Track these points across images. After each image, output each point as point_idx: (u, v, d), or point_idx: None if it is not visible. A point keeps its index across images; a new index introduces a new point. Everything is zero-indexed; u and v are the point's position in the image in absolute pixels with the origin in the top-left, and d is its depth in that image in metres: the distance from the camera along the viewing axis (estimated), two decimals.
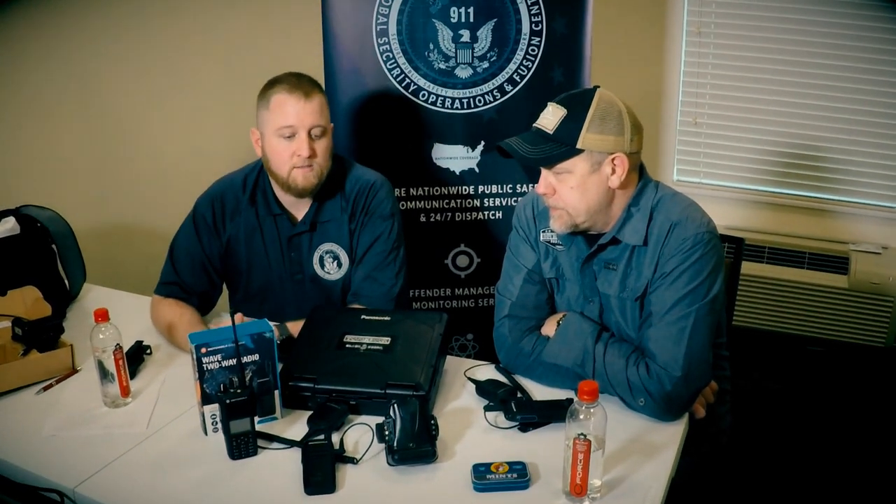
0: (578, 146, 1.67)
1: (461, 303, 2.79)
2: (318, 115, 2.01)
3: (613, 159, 1.69)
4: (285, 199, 2.11)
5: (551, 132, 1.69)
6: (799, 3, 3.29)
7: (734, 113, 3.55)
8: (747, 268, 3.37)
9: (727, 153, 3.63)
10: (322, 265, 2.14)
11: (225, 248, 2.15)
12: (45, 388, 1.85)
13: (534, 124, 1.74)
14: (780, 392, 3.30)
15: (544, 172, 1.74)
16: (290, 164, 2.01)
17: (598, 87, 1.73)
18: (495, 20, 2.52)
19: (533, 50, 2.55)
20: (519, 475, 1.50)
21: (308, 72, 2.08)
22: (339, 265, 2.14)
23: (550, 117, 1.70)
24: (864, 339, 3.44)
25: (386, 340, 1.82)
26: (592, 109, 1.67)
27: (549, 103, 1.73)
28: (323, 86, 2.11)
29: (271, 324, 1.70)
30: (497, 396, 1.75)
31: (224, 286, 2.23)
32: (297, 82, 2.01)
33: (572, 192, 1.70)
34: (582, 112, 1.67)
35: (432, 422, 1.58)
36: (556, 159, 1.69)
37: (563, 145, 1.68)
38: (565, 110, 1.69)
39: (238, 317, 1.73)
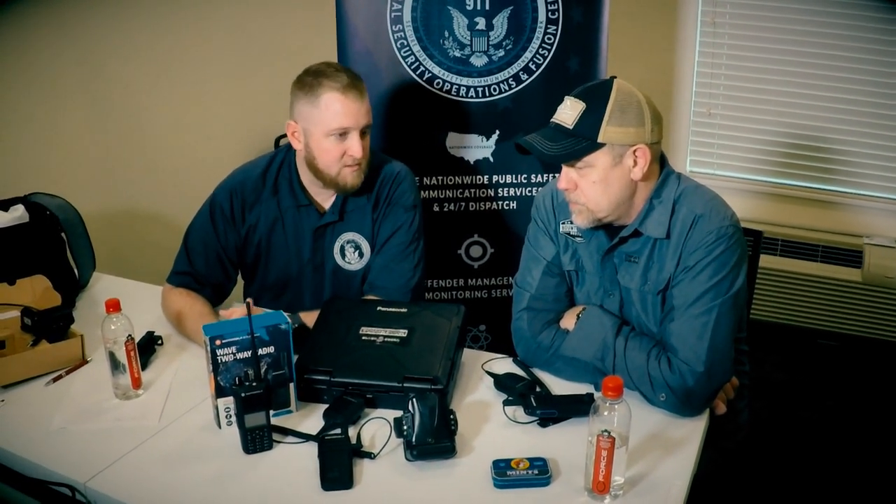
0: (600, 140, 1.63)
1: (474, 293, 2.76)
2: (369, 114, 1.99)
3: (635, 151, 1.66)
4: (313, 189, 2.09)
5: (571, 127, 1.65)
6: None
7: (748, 104, 3.52)
8: (761, 260, 3.36)
9: (741, 144, 3.60)
10: (343, 255, 2.11)
11: (244, 239, 2.12)
12: (55, 380, 1.82)
13: (552, 119, 1.70)
14: (791, 386, 3.28)
15: (565, 168, 1.70)
16: (340, 164, 1.98)
17: (615, 77, 1.69)
18: (511, 8, 2.48)
19: (549, 39, 2.51)
20: (540, 471, 1.48)
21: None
22: (361, 255, 2.11)
23: (569, 111, 1.66)
24: (877, 333, 3.41)
25: (403, 333, 1.78)
26: (612, 101, 1.63)
27: (566, 97, 1.69)
28: None
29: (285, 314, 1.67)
30: (516, 390, 1.72)
31: (239, 277, 2.20)
32: (351, 81, 1.96)
33: (595, 186, 1.67)
34: (601, 105, 1.63)
35: (451, 416, 1.55)
36: (578, 154, 1.65)
37: (583, 140, 1.64)
38: (584, 104, 1.64)
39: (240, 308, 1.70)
